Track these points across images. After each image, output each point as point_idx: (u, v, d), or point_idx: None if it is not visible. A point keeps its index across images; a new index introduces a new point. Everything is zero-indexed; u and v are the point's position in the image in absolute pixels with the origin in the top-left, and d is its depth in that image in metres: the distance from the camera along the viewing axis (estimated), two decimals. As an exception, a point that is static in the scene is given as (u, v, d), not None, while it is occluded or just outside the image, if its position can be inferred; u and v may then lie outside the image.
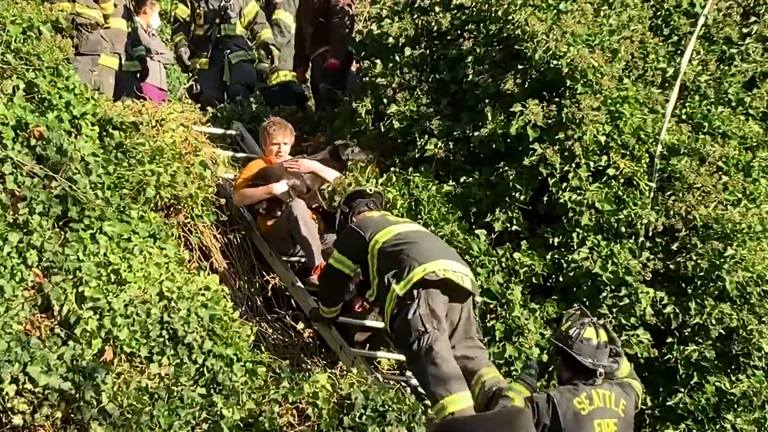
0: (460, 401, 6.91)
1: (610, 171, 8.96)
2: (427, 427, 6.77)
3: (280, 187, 9.25)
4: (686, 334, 8.42)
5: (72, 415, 6.44)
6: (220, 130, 10.77)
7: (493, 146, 9.26)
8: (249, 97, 11.98)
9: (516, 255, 8.89)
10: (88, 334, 6.95)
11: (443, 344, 7.16)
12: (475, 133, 9.35)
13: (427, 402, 7.36)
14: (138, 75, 12.20)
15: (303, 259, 9.17)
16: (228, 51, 12.58)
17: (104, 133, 8.43)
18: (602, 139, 8.95)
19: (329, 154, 9.58)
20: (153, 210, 8.38)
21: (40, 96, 8.04)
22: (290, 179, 9.25)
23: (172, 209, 8.81)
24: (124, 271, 7.44)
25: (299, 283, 8.96)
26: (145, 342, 7.11)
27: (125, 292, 7.30)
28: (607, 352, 6.56)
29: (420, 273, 7.26)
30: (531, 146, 8.99)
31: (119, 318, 7.11)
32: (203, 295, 7.70)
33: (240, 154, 10.44)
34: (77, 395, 6.42)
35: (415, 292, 7.27)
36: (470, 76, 9.62)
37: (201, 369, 7.19)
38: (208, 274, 8.21)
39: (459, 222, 9.13)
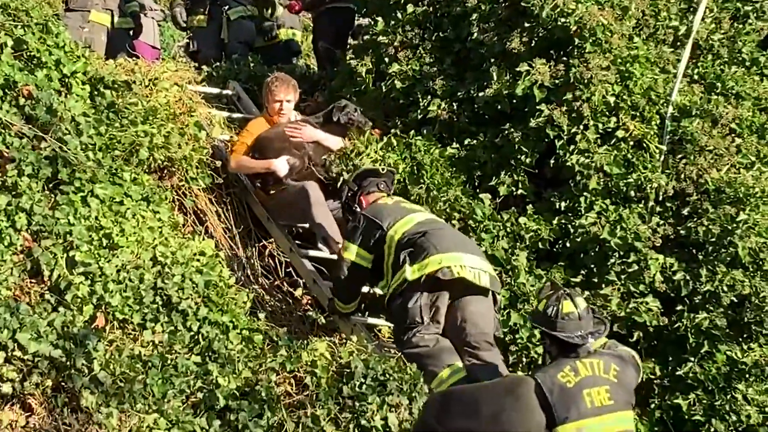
0: (459, 371, 6.95)
1: (620, 133, 8.92)
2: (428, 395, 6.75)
3: (280, 165, 9.18)
4: (697, 301, 8.40)
5: (62, 384, 6.40)
6: (215, 90, 10.70)
7: (499, 107, 9.21)
8: (247, 55, 11.85)
9: (521, 220, 8.86)
10: (79, 300, 6.91)
11: (433, 336, 7.29)
12: (480, 94, 9.29)
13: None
14: (131, 32, 12.10)
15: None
16: (227, 7, 12.41)
17: (95, 93, 8.37)
18: (611, 100, 8.90)
19: (326, 116, 9.46)
20: (146, 172, 8.33)
21: (28, 53, 7.97)
22: (291, 154, 9.16)
23: (165, 172, 8.77)
24: (117, 235, 7.39)
25: (297, 249, 8.93)
26: (138, 308, 7.07)
27: (117, 256, 7.25)
28: (590, 318, 6.49)
29: (435, 264, 7.26)
30: (537, 107, 8.94)
31: (111, 284, 7.06)
32: (198, 260, 7.66)
33: (236, 115, 10.38)
34: (68, 363, 6.38)
35: (423, 283, 7.29)
36: (475, 35, 9.54)
37: (196, 336, 7.15)
38: (203, 239, 8.17)
39: (463, 186, 9.09)
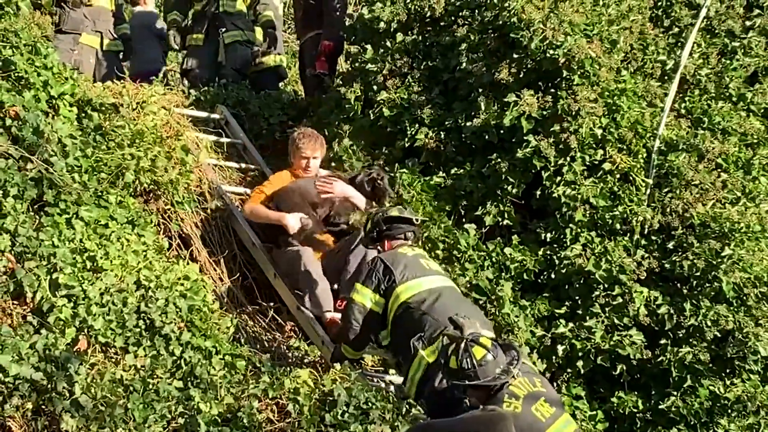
0: None
1: (606, 165, 8.96)
2: (410, 425, 6.74)
3: (292, 222, 8.87)
4: (680, 335, 8.42)
5: (43, 407, 6.38)
6: (203, 114, 10.68)
7: (486, 137, 9.22)
8: (239, 81, 11.80)
9: (507, 250, 8.88)
10: (62, 322, 6.89)
11: None
12: (468, 123, 9.30)
13: (411, 401, 7.33)
14: (121, 55, 12.09)
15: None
16: (224, 29, 12.31)
17: (83, 115, 8.39)
18: (598, 132, 8.94)
19: (353, 179, 9.18)
20: (132, 195, 8.31)
21: (16, 74, 7.96)
22: (306, 213, 8.96)
23: (151, 195, 8.75)
24: (101, 258, 7.38)
25: (281, 275, 8.91)
26: (120, 332, 7.05)
27: (101, 279, 7.24)
28: (500, 351, 6.49)
29: None
30: (525, 138, 8.96)
31: (94, 306, 7.04)
32: (182, 284, 7.64)
33: (224, 139, 10.36)
34: (49, 386, 6.36)
35: None
36: (463, 64, 9.57)
37: (178, 361, 7.13)
38: (188, 263, 8.15)
39: (448, 216, 9.09)
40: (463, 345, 6.38)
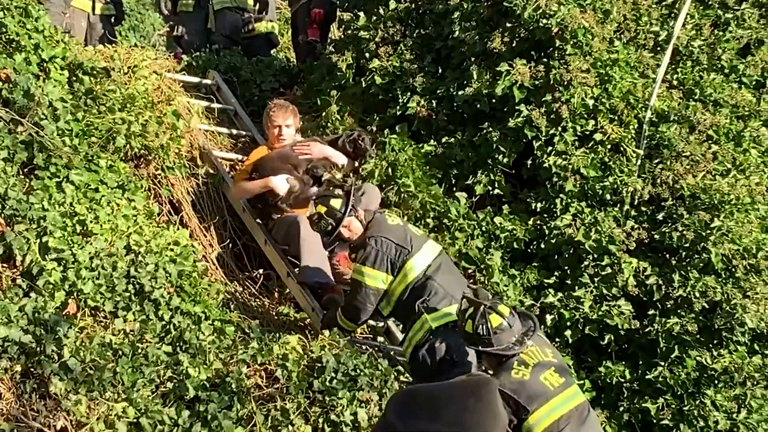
0: None
1: (597, 136, 8.96)
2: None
3: (279, 183, 8.89)
4: (669, 306, 8.45)
5: (32, 369, 6.37)
6: (195, 79, 10.64)
7: (478, 106, 9.22)
8: (230, 48, 11.74)
9: (497, 219, 8.89)
10: (51, 286, 6.88)
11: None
12: (459, 92, 9.30)
13: (400, 368, 7.35)
14: (113, 19, 12.02)
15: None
16: (213, -5, 12.24)
17: (74, 78, 8.35)
18: (590, 102, 8.93)
19: (334, 141, 9.22)
20: (122, 160, 8.29)
21: (7, 37, 7.91)
22: (290, 174, 8.95)
23: (142, 160, 8.73)
24: (91, 222, 7.35)
25: (271, 241, 8.90)
26: (110, 296, 7.04)
27: (91, 244, 7.21)
28: (517, 319, 6.55)
29: (455, 316, 7.10)
30: (516, 107, 8.96)
31: (84, 271, 7.02)
32: (172, 250, 7.62)
33: (215, 105, 10.34)
34: (38, 349, 6.35)
35: (447, 325, 7.22)
36: (456, 33, 9.55)
37: (167, 326, 7.14)
38: (178, 229, 8.13)
39: (438, 184, 9.09)
40: (481, 310, 6.44)
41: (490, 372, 6.61)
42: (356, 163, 9.09)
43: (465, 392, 2.37)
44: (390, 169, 9.05)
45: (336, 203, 7.75)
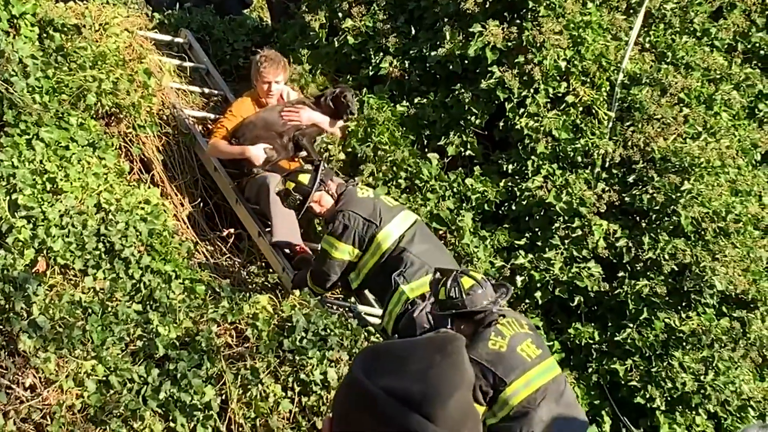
0: None
1: (569, 98, 8.95)
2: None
3: (256, 153, 8.77)
4: (638, 268, 8.47)
5: (1, 327, 6.35)
6: (167, 37, 10.56)
7: (450, 67, 9.19)
8: (202, 5, 11.65)
9: (468, 181, 8.89)
10: (21, 243, 6.85)
11: None
12: (432, 53, 9.27)
13: (370, 328, 7.35)
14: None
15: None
16: (183, -47, 12.13)
17: (44, 35, 8.27)
18: (562, 64, 8.92)
19: (318, 99, 9.06)
20: (93, 118, 8.24)
21: (-24, -7, 7.84)
22: (271, 143, 8.84)
23: (113, 118, 8.68)
24: (61, 180, 7.32)
25: (243, 200, 8.87)
26: (80, 254, 7.01)
27: (61, 201, 7.19)
28: (490, 286, 6.59)
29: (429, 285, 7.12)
30: (489, 69, 8.93)
31: (54, 228, 7.00)
32: (143, 208, 7.61)
33: (187, 63, 10.26)
34: (7, 306, 6.33)
35: (424, 296, 7.24)
36: (429, -7, 9.51)
37: (137, 285, 7.12)
38: (149, 187, 8.11)
39: (411, 145, 9.08)
40: (452, 275, 6.47)
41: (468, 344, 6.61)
42: (337, 122, 9.00)
43: (431, 348, 2.36)
44: (368, 127, 9.03)
45: (304, 178, 7.77)
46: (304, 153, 8.99)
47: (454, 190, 8.89)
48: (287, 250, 8.48)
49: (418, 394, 2.24)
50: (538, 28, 8.87)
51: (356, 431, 2.27)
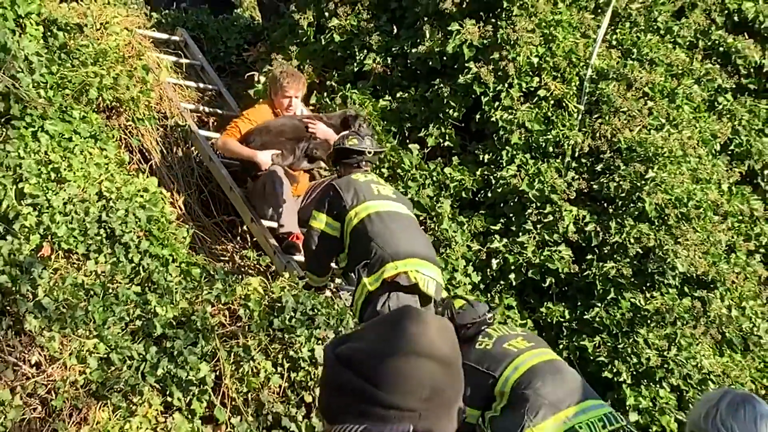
0: None
1: (541, 92, 8.97)
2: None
3: (264, 158, 8.60)
4: (606, 251, 8.49)
5: (8, 308, 6.32)
6: (164, 36, 10.56)
7: (430, 63, 9.22)
8: (197, 5, 11.63)
9: (447, 170, 8.91)
10: (27, 229, 6.82)
11: None
12: (413, 50, 9.30)
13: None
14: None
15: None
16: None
17: (48, 34, 8.24)
18: (535, 60, 8.95)
19: (339, 121, 8.75)
20: (95, 111, 8.25)
21: (-16, -7, 7.81)
22: (281, 150, 8.68)
23: (113, 111, 8.68)
24: (64, 169, 7.30)
25: (236, 188, 8.86)
26: (82, 239, 6.99)
27: (65, 190, 7.16)
28: (481, 305, 6.66)
29: (391, 270, 7.00)
30: (466, 65, 8.95)
31: (58, 215, 6.98)
32: (141, 196, 7.58)
33: (183, 60, 10.25)
34: (13, 288, 6.30)
35: (386, 286, 7.05)
36: (410, -6, 9.52)
37: (137, 268, 7.10)
38: (147, 176, 8.10)
39: (393, 137, 9.10)
40: (445, 302, 6.70)
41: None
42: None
43: (394, 316, 2.38)
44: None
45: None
46: (321, 164, 8.93)
47: (434, 178, 8.91)
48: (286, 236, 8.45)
49: (359, 354, 2.28)
50: (512, 26, 8.90)
51: (328, 397, 2.34)
